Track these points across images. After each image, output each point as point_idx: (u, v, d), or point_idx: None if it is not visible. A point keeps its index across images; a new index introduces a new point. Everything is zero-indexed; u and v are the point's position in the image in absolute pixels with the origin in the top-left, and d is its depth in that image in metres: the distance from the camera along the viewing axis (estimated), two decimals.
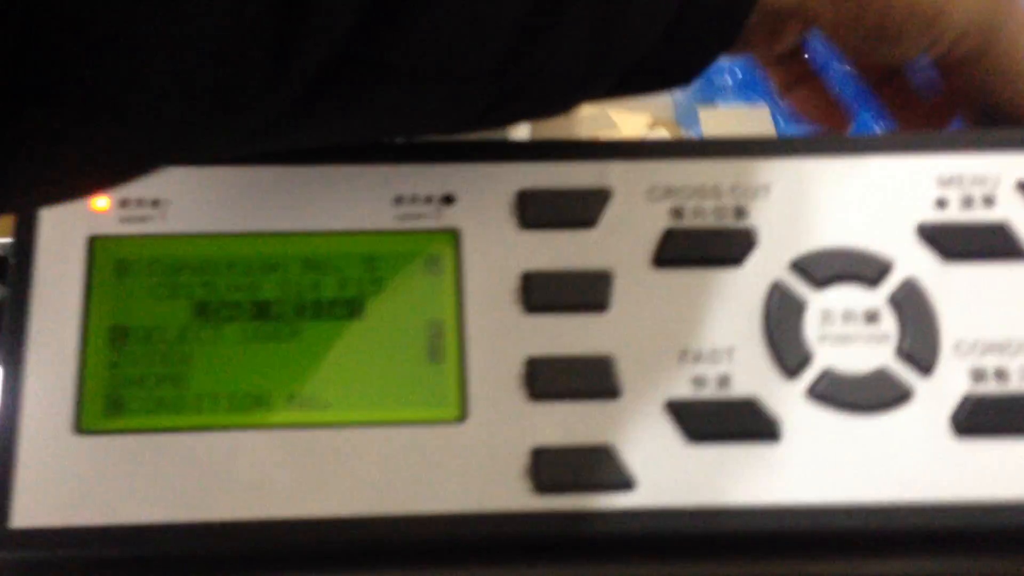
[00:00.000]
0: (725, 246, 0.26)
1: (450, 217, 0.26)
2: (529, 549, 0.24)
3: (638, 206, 0.26)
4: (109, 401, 0.24)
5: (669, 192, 0.26)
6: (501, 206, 0.26)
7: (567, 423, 0.24)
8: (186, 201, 0.26)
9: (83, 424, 0.24)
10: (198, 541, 0.24)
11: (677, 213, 0.26)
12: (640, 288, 0.25)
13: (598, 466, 0.24)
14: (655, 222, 0.26)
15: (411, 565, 0.25)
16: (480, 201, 0.26)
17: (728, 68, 0.85)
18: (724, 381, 0.25)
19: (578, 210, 0.26)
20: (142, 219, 0.25)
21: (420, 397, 0.25)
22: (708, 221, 0.26)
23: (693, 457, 0.24)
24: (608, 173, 0.26)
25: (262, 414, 0.24)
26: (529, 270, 0.25)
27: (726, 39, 0.25)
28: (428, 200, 0.26)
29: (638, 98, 0.34)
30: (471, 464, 0.24)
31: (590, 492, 0.24)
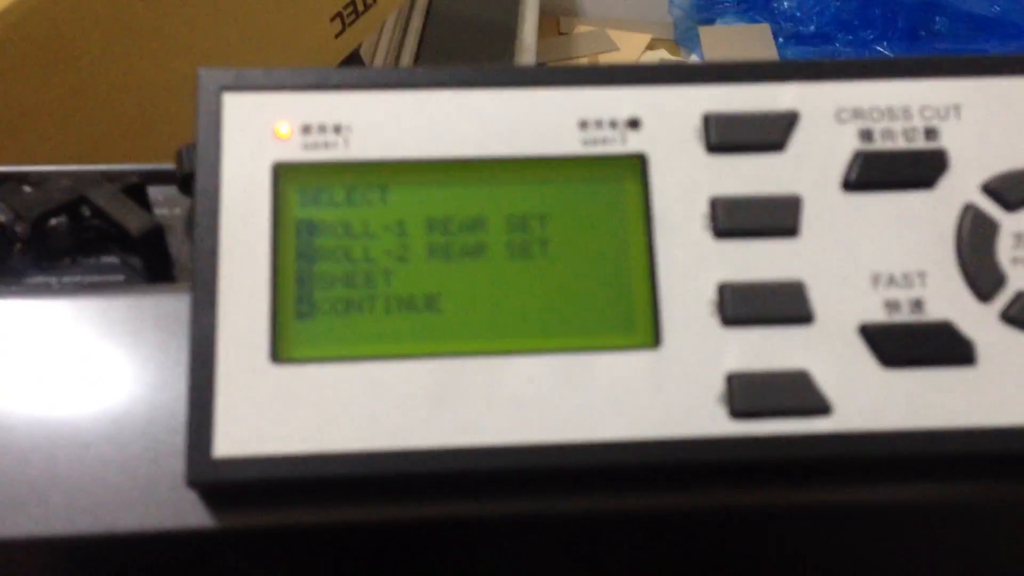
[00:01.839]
0: (916, 169, 0.25)
1: (636, 141, 0.25)
2: (725, 474, 0.24)
3: (826, 129, 0.26)
4: (304, 329, 0.24)
5: (857, 114, 0.26)
6: (687, 130, 0.25)
7: (760, 349, 0.24)
8: (368, 127, 0.25)
9: (280, 353, 0.24)
10: (397, 466, 0.24)
11: (866, 135, 0.26)
12: (830, 212, 0.25)
13: (793, 391, 0.24)
14: (844, 145, 0.25)
15: (606, 491, 0.25)
16: (666, 125, 0.25)
17: None
18: (917, 305, 0.25)
19: (766, 133, 0.25)
20: (325, 145, 0.25)
21: (613, 324, 0.25)
22: (898, 143, 0.25)
23: (888, 381, 0.24)
24: (795, 95, 0.26)
25: (454, 341, 0.24)
26: (717, 195, 0.25)
27: None
28: (613, 124, 0.25)
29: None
30: (667, 390, 0.24)
31: (786, 417, 0.24)
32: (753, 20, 1.74)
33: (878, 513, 0.25)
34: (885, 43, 1.62)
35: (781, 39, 1.70)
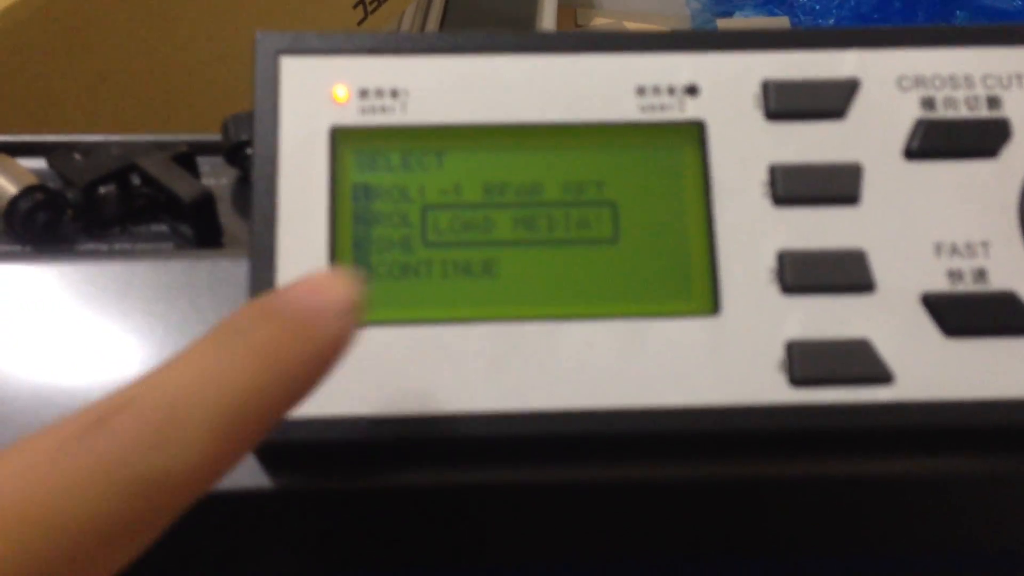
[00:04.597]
0: (979, 137, 0.25)
1: (694, 108, 0.25)
2: (786, 442, 0.24)
3: (888, 96, 0.25)
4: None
5: (919, 82, 0.25)
6: (746, 97, 0.25)
7: (821, 317, 0.24)
8: (425, 91, 0.25)
9: None
10: (454, 431, 0.24)
11: (928, 103, 0.25)
12: (891, 181, 0.25)
13: (855, 360, 0.24)
14: (905, 113, 0.25)
15: (664, 458, 0.25)
16: (724, 92, 0.25)
17: None
18: (980, 275, 0.24)
19: (826, 101, 0.25)
20: (383, 110, 0.25)
21: (671, 290, 0.24)
22: (960, 112, 0.25)
23: (951, 351, 0.24)
24: (856, 62, 0.25)
25: (511, 306, 0.24)
26: (777, 163, 0.25)
27: None
28: (671, 91, 0.25)
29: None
30: (726, 357, 0.24)
31: (847, 386, 0.24)
32: (772, 13, 1.73)
33: (938, 484, 0.25)
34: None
35: None
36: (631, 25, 1.77)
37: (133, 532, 0.17)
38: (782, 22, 1.71)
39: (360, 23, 0.87)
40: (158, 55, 0.65)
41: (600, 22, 1.75)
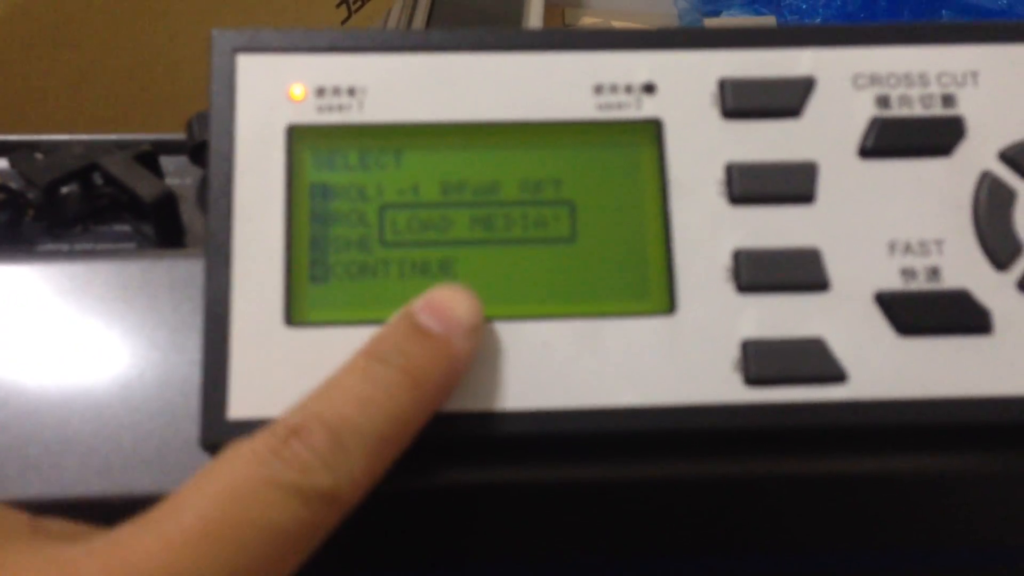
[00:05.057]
0: (933, 135, 0.25)
1: (652, 106, 0.25)
2: (741, 442, 0.24)
3: (843, 95, 0.25)
4: (318, 292, 0.24)
5: (874, 80, 0.25)
6: (703, 95, 0.25)
7: (776, 316, 0.24)
8: (382, 89, 0.25)
9: (294, 316, 0.24)
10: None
11: (883, 101, 0.25)
12: (846, 179, 0.25)
13: (809, 359, 0.24)
14: (860, 111, 0.25)
15: (620, 458, 0.25)
16: (681, 90, 0.25)
17: None
18: (934, 273, 0.25)
19: (782, 99, 0.25)
20: (340, 108, 0.25)
21: (628, 290, 0.25)
22: (915, 110, 0.25)
23: (904, 350, 0.24)
24: (812, 60, 0.26)
25: None
26: (733, 162, 0.25)
27: None
28: (628, 89, 0.25)
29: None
30: (682, 356, 0.24)
31: (801, 385, 0.24)
32: (758, 12, 1.74)
33: (892, 482, 0.25)
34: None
35: None
36: (618, 24, 1.77)
37: (309, 538, 0.20)
38: (769, 21, 1.71)
39: (344, 22, 0.87)
40: (140, 53, 0.65)
41: (588, 21, 1.76)
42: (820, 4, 1.68)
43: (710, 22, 1.79)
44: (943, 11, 1.65)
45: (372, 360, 0.22)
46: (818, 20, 1.67)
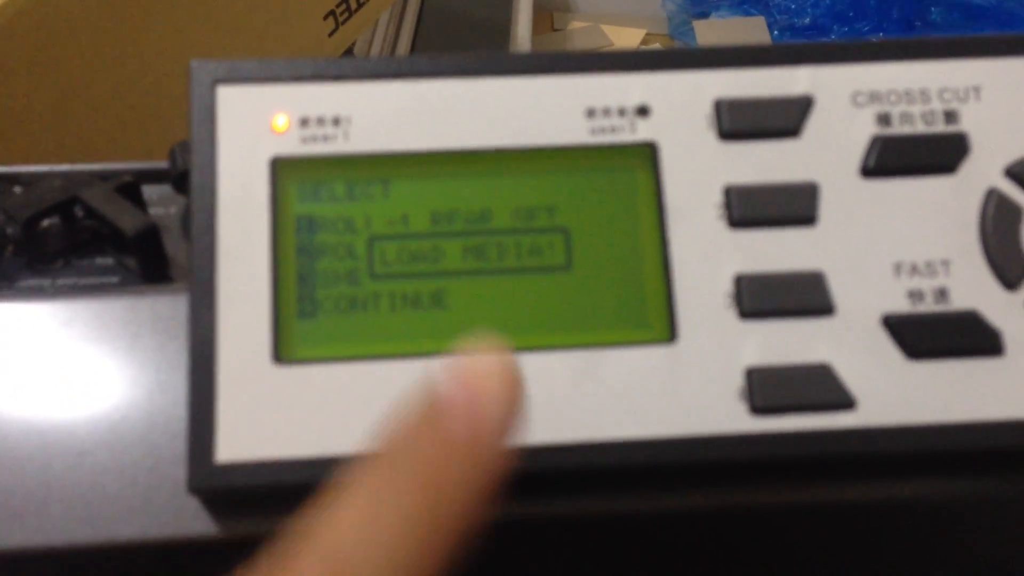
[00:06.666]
0: (936, 153, 0.24)
1: (646, 129, 0.25)
2: (748, 472, 0.23)
3: (842, 113, 0.25)
4: (307, 328, 0.23)
5: (874, 97, 0.25)
6: (698, 117, 0.25)
7: (780, 342, 0.24)
8: (368, 118, 0.24)
9: (282, 353, 0.23)
10: None
11: (884, 119, 0.25)
12: (848, 200, 0.24)
13: (816, 386, 0.23)
14: (861, 129, 0.25)
15: (622, 492, 0.24)
16: (676, 112, 0.25)
17: None
18: (942, 294, 0.24)
19: (780, 119, 0.25)
20: (324, 138, 0.24)
21: (627, 318, 0.24)
22: (917, 127, 0.25)
23: (913, 374, 0.23)
24: (809, 78, 0.25)
25: (460, 340, 0.24)
26: (732, 184, 0.24)
27: None
28: (622, 112, 0.25)
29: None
30: (685, 386, 0.23)
31: (809, 412, 0.23)
32: (748, 13, 1.73)
33: (904, 510, 0.24)
34: (880, 34, 1.61)
35: (776, 32, 1.69)
36: (608, 28, 1.77)
37: None
38: (758, 22, 1.71)
39: (331, 34, 0.86)
40: (125, 73, 0.64)
41: (576, 25, 1.75)
42: (809, 3, 1.68)
43: (699, 24, 1.78)
44: (932, 8, 1.65)
45: (383, 469, 0.17)
46: (807, 20, 1.67)
